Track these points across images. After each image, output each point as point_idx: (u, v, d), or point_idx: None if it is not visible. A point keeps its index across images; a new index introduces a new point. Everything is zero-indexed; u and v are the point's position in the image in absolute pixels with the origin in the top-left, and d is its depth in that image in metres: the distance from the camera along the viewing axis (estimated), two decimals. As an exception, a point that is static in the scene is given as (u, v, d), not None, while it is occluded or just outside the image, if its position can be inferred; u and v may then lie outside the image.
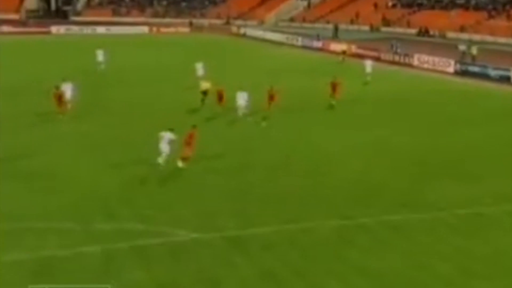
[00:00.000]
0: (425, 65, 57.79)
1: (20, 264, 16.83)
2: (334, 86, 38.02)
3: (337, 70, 51.22)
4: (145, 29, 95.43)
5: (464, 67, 54.87)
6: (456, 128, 33.37)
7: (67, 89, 34.62)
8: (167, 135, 24.54)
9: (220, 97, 36.06)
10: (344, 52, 63.44)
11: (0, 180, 23.00)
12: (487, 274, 16.71)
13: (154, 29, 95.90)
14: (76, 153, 27.22)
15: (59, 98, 33.20)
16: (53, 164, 25.45)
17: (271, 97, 35.18)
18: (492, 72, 51.39)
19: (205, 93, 37.21)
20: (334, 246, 18.27)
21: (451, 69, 55.41)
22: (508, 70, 50.35)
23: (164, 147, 24.49)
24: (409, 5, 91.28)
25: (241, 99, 35.05)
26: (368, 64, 48.70)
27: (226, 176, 24.48)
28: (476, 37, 70.50)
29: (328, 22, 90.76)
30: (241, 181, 23.99)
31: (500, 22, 74.84)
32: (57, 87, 33.93)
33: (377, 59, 58.55)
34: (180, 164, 24.81)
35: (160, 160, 24.43)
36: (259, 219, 20.18)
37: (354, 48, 66.40)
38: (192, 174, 24.87)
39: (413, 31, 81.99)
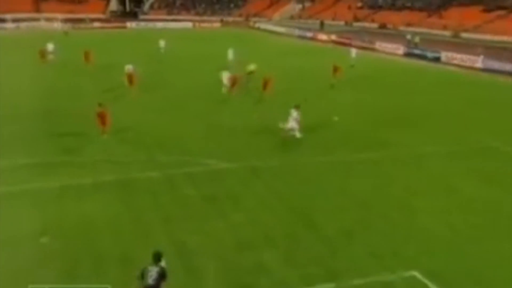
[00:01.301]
0: (384, 49, 56.58)
1: (111, 183, 16.91)
2: (335, 69, 34.99)
3: (328, 54, 50.57)
4: (190, 24, 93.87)
5: (410, 51, 53.68)
6: (405, 93, 32.80)
7: (130, 69, 32.13)
8: (294, 112, 21.39)
9: (233, 83, 30.29)
10: (334, 41, 61.68)
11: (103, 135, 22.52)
12: (425, 192, 16.64)
13: (196, 24, 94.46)
14: (144, 114, 26.38)
15: (130, 77, 31.35)
16: (130, 122, 24.76)
17: (265, 84, 29.47)
18: (429, 54, 50.27)
19: (250, 73, 33.33)
20: (322, 174, 18.11)
21: (401, 52, 54.24)
22: (439, 52, 49.24)
23: (293, 122, 21.44)
24: (372, 7, 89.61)
25: (225, 78, 30.28)
26: (353, 51, 46.03)
27: (249, 129, 23.91)
28: (418, 30, 68.98)
29: (316, 19, 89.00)
30: (260, 131, 23.29)
31: (435, 19, 73.55)
32: (128, 69, 32.04)
33: (349, 45, 57.48)
34: (298, 135, 21.71)
35: (298, 135, 21.55)
36: (271, 155, 19.98)
37: (333, 37, 64.87)
38: (224, 126, 24.58)
39: (375, 25, 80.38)
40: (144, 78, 33.17)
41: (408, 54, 52.88)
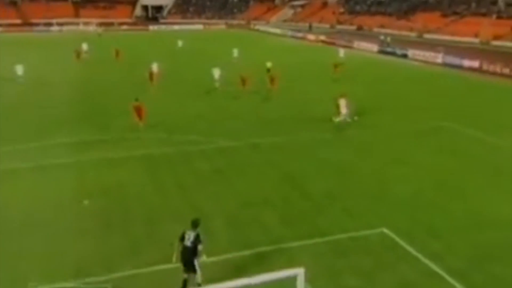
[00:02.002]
0: (361, 47, 55.80)
1: (137, 157, 16.77)
2: (336, 66, 33.34)
3: (318, 52, 49.72)
4: (201, 26, 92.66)
5: (382, 49, 52.93)
6: (381, 84, 32.31)
7: (154, 68, 31.02)
8: (343, 101, 20.32)
9: (243, 81, 27.46)
10: (322, 41, 60.79)
11: (140, 125, 22.37)
12: (394, 162, 16.40)
13: (206, 26, 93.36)
14: (165, 103, 25.77)
15: (151, 74, 29.98)
16: (153, 109, 23.28)
17: (272, 80, 27.54)
18: (398, 52, 49.55)
19: (268, 70, 31.07)
20: (309, 147, 18.05)
21: (375, 50, 53.49)
22: (406, 50, 48.56)
23: (344, 110, 20.28)
24: (352, 12, 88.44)
25: (216, 74, 28.47)
26: (341, 51, 44.41)
27: (249, 113, 23.79)
28: (389, 31, 68.08)
29: (306, 22, 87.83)
30: (258, 117, 23.05)
31: (403, 22, 72.46)
32: (150, 68, 30.77)
33: (333, 43, 56.79)
34: (348, 119, 20.71)
35: (341, 118, 20.43)
36: (267, 133, 19.85)
37: (321, 37, 64.16)
38: (229, 110, 24.35)
39: (354, 27, 79.41)
40: (166, 72, 32.64)
41: (381, 52, 52.18)
